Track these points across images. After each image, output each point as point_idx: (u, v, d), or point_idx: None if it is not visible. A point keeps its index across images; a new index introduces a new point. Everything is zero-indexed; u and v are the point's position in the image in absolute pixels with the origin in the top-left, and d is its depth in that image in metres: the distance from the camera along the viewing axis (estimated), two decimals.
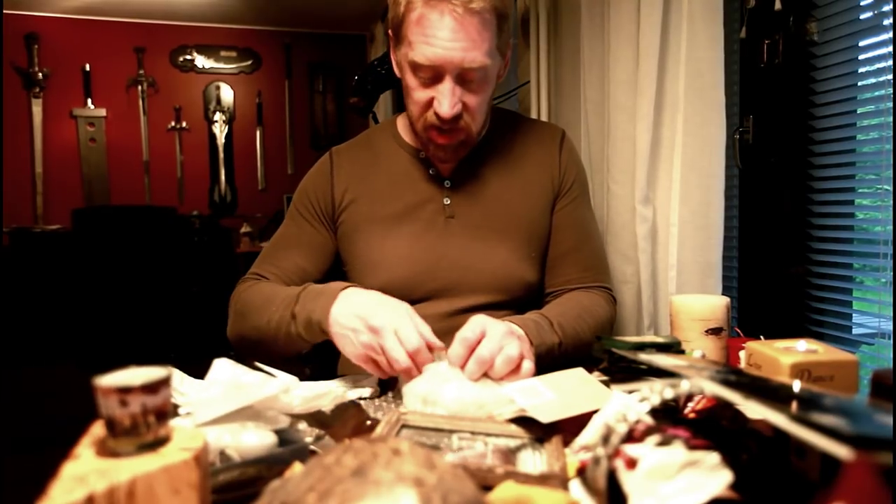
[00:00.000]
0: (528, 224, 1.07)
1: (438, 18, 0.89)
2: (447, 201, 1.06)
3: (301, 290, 0.92)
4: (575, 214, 1.10)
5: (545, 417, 0.63)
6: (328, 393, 0.71)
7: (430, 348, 0.78)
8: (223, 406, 0.56)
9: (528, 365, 0.77)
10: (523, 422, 0.65)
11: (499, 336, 0.76)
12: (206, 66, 4.93)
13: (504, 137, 1.11)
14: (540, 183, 1.09)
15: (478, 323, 0.78)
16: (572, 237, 1.09)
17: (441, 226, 1.05)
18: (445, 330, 0.86)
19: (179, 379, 0.63)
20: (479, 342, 0.76)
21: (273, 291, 0.97)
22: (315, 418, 0.70)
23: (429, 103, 0.96)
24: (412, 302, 1.02)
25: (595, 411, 0.61)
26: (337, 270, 1.12)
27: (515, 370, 0.76)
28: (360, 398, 0.80)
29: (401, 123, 1.12)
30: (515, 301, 1.06)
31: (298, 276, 1.06)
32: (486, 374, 0.75)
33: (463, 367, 0.75)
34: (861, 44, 1.23)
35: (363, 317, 0.81)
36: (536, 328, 0.87)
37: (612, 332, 1.10)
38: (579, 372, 0.77)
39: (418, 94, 0.96)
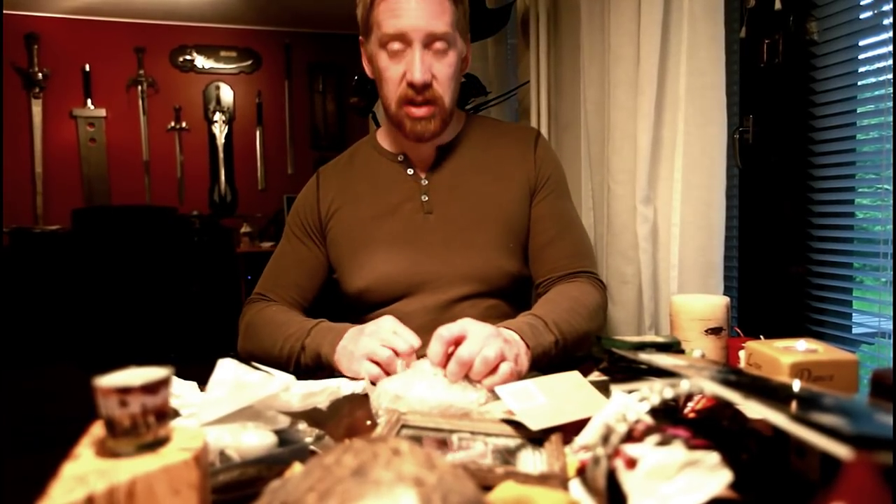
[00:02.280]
0: (505, 216, 1.09)
1: None
2: (425, 198, 1.09)
3: (314, 324, 0.99)
4: (553, 206, 1.13)
5: (535, 424, 0.62)
6: (324, 390, 0.71)
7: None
8: (227, 406, 0.56)
9: (505, 367, 0.77)
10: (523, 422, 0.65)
11: (481, 338, 0.77)
12: (206, 66, 4.93)
13: (478, 138, 1.15)
14: (515, 178, 1.11)
15: (458, 323, 0.79)
16: (553, 227, 1.11)
17: (420, 222, 1.08)
18: (431, 324, 0.89)
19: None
20: (456, 341, 0.77)
21: (285, 319, 1.04)
22: (314, 418, 0.70)
23: (401, 77, 1.01)
24: (397, 298, 1.07)
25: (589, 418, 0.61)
26: (332, 282, 1.17)
27: (493, 371, 0.76)
28: (354, 392, 0.80)
29: (380, 134, 1.17)
30: (498, 291, 1.08)
31: (298, 293, 1.13)
32: (466, 376, 0.76)
33: (442, 365, 0.76)
34: (861, 43, 1.23)
35: (360, 330, 0.90)
36: (531, 330, 0.87)
37: (607, 321, 1.11)
38: (574, 376, 0.77)
39: (390, 72, 1.01)
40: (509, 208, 1.10)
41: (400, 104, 1.02)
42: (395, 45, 0.99)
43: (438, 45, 0.99)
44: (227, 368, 0.64)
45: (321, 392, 0.70)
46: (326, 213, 1.13)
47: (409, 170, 1.11)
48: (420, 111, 1.02)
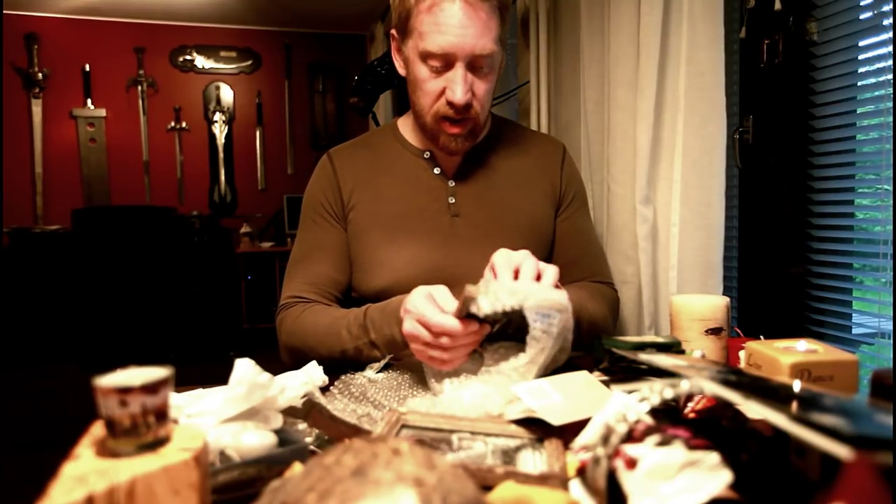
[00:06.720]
0: (532, 224, 1.09)
1: (450, 6, 0.92)
2: (452, 200, 1.07)
3: (363, 315, 0.93)
4: (577, 223, 1.14)
5: (555, 420, 0.63)
6: (311, 377, 0.71)
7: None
8: (243, 404, 0.57)
9: (550, 271, 0.82)
10: (523, 421, 0.65)
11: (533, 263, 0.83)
12: (206, 66, 4.93)
13: (506, 142, 1.14)
14: (542, 188, 1.12)
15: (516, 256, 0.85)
16: (576, 246, 1.13)
17: (446, 224, 1.06)
18: None
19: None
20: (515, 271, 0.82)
21: (332, 320, 0.96)
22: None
23: (440, 93, 0.98)
24: None
25: None
26: None
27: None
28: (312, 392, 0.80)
29: (402, 125, 1.13)
30: None
31: (332, 285, 1.06)
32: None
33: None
34: (861, 44, 1.23)
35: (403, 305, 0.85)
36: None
37: (616, 326, 1.14)
38: (584, 375, 0.77)
39: (429, 85, 0.98)
40: (536, 217, 1.10)
41: (436, 119, 1.00)
42: (437, 63, 0.95)
43: (482, 63, 0.96)
44: (245, 367, 0.64)
45: (309, 381, 0.70)
46: (348, 200, 1.08)
47: (435, 169, 1.09)
48: (457, 129, 1.00)
